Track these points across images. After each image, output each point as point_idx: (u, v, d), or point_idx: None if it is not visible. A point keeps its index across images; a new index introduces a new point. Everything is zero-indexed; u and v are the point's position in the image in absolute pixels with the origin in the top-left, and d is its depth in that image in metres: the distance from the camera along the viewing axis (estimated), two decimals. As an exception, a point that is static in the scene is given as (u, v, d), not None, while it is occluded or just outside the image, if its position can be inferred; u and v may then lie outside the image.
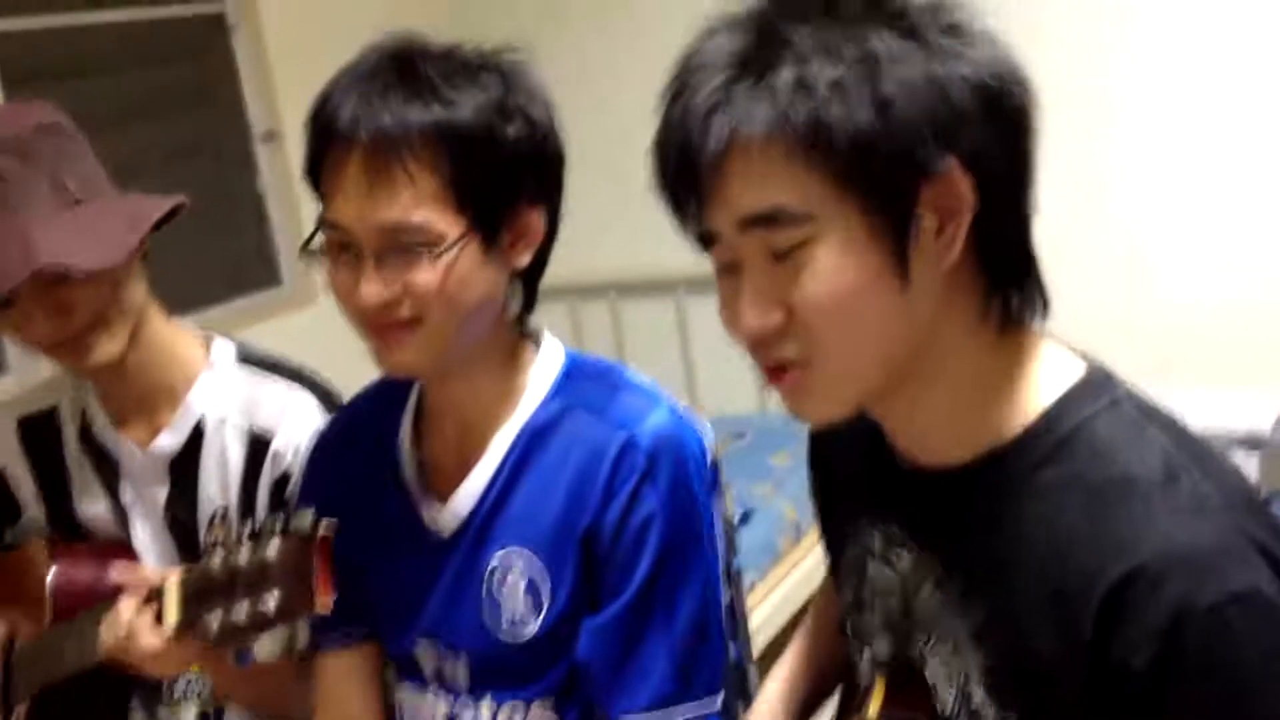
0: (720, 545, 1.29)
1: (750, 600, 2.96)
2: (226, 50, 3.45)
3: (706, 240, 0.93)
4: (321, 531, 1.15)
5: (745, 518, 3.19)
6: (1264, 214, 3.38)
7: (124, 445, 1.54)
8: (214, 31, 3.44)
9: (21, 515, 1.63)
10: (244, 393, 1.53)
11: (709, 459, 1.28)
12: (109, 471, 1.57)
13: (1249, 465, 2.93)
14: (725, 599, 1.42)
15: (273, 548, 1.18)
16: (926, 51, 0.86)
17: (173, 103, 3.36)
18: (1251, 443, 2.97)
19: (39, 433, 1.60)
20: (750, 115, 0.85)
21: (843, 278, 0.88)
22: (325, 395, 1.54)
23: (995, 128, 0.89)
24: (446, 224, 1.18)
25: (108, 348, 1.42)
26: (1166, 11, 3.40)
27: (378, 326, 1.21)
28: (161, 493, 1.54)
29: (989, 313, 0.94)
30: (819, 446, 1.22)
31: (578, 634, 1.24)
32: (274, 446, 1.49)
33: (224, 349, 1.56)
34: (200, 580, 1.23)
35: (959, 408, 0.96)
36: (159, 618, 1.26)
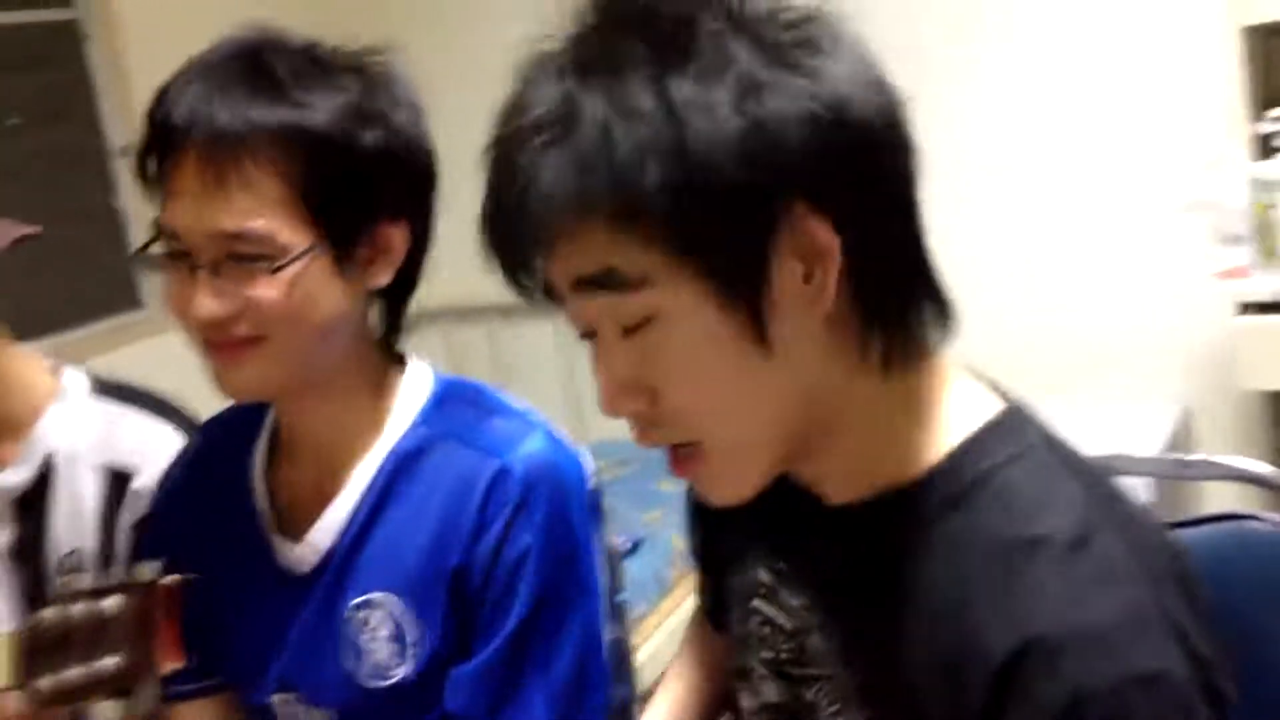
0: (602, 579, 1.20)
1: (639, 634, 2.89)
2: (80, 60, 3.30)
3: (550, 296, 0.85)
4: (164, 585, 1.04)
5: (634, 548, 3.12)
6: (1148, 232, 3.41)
7: None
8: (66, 40, 3.29)
9: None
10: (99, 426, 1.41)
11: (589, 487, 1.20)
12: None
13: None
14: (610, 636, 1.34)
15: (111, 602, 1.07)
16: (738, 91, 0.76)
17: (22, 114, 3.20)
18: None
19: None
20: (563, 186, 0.77)
21: (699, 355, 0.80)
22: (189, 426, 1.44)
23: (846, 158, 0.79)
24: (291, 235, 1.08)
25: None
26: (1049, 23, 3.43)
27: (215, 344, 1.11)
28: (4, 533, 1.42)
29: (868, 353, 0.84)
30: None
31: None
32: (134, 484, 1.39)
33: (76, 379, 1.45)
34: (31, 638, 1.11)
35: (863, 449, 0.88)
36: None
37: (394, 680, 1.16)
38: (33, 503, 1.41)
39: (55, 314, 3.04)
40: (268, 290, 1.08)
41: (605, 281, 0.79)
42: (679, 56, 0.77)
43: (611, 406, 0.84)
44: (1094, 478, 0.86)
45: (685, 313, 0.79)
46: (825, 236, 0.79)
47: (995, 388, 0.92)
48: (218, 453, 1.30)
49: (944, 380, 0.89)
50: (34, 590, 1.41)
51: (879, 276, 0.83)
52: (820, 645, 0.92)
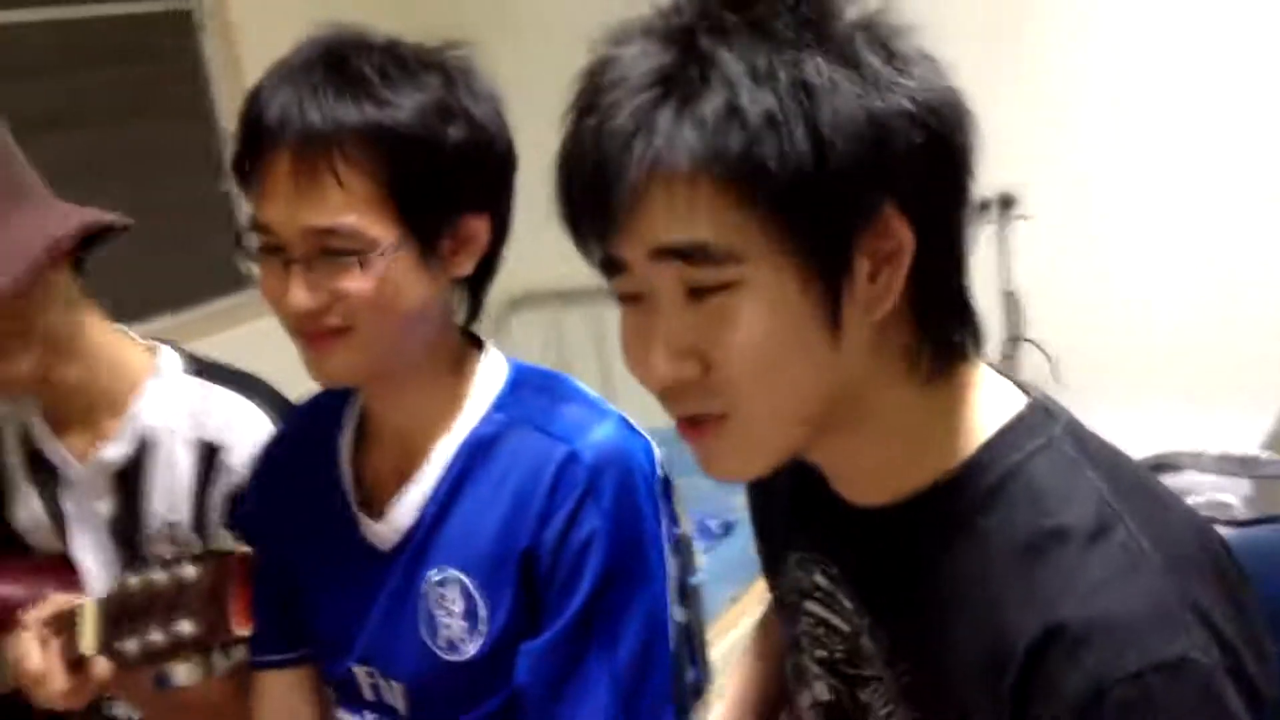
0: (671, 563, 1.23)
1: (732, 614, 2.91)
2: (194, 49, 3.40)
3: (611, 266, 0.84)
4: (239, 555, 1.10)
5: (726, 530, 3.13)
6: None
7: (64, 455, 1.49)
8: (181, 29, 3.39)
9: (-36, 524, 1.57)
10: (193, 403, 1.47)
11: (658, 473, 1.22)
12: (48, 481, 1.51)
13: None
14: (681, 619, 1.37)
15: (191, 570, 1.14)
16: (864, 81, 0.78)
17: (137, 103, 3.31)
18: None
19: None
20: (676, 144, 0.76)
21: (769, 330, 0.80)
22: (276, 404, 1.49)
23: (935, 166, 0.81)
24: (379, 230, 1.12)
25: (17, 369, 1.38)
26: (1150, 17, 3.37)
27: (307, 334, 1.16)
28: (105, 505, 1.49)
29: (919, 359, 0.86)
30: None
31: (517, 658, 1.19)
32: (224, 459, 1.44)
33: (170, 357, 1.51)
34: (118, 602, 1.19)
35: (891, 450, 0.89)
36: (68, 647, 1.21)
37: (466, 656, 1.20)
38: (131, 476, 1.47)
39: (167, 295, 3.14)
40: (357, 283, 1.12)
41: (690, 253, 0.79)
42: (816, 39, 0.78)
43: (661, 371, 0.82)
44: (1119, 469, 0.86)
45: (764, 286, 0.79)
46: (905, 238, 0.80)
47: (1019, 384, 0.92)
48: (310, 434, 1.35)
49: (971, 380, 0.90)
50: (132, 560, 1.47)
51: (938, 286, 0.85)
52: (870, 647, 0.93)
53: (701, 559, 3.12)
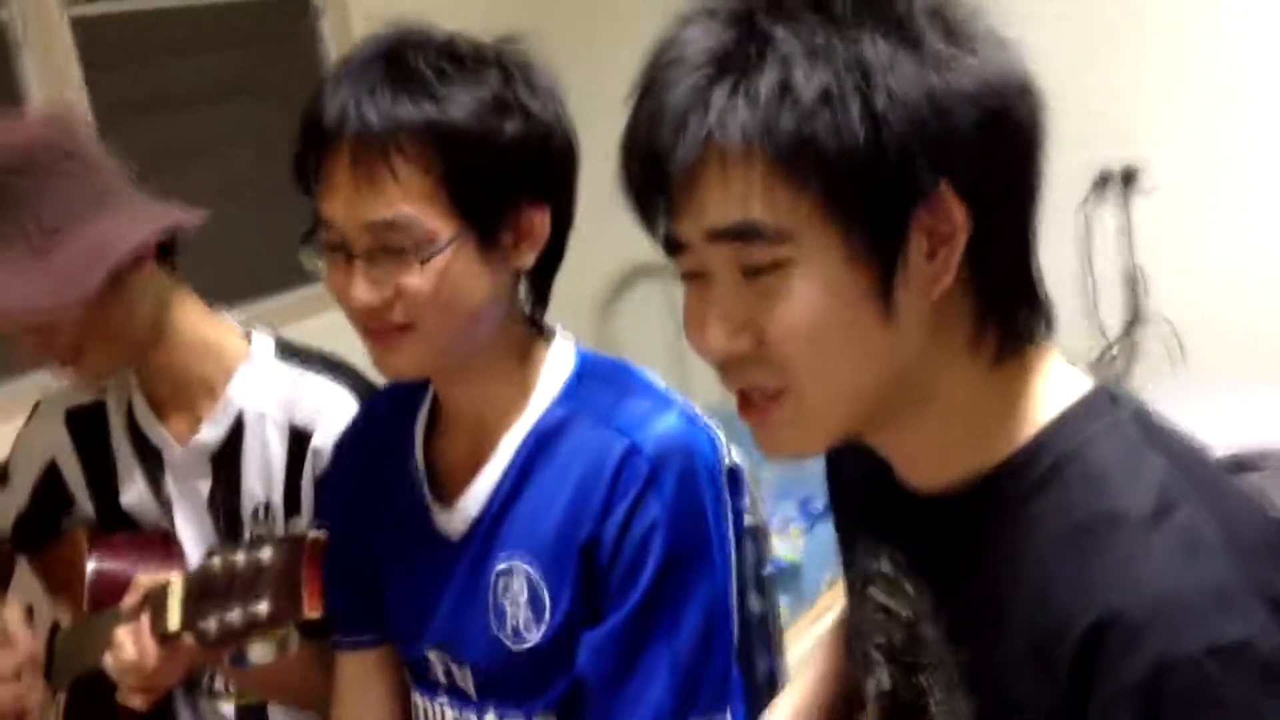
0: (734, 554, 1.24)
1: (829, 596, 2.90)
2: (311, 36, 3.42)
3: (673, 246, 0.86)
4: (312, 539, 1.14)
5: (825, 510, 3.12)
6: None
7: (166, 437, 1.55)
8: (297, 16, 3.41)
9: (74, 505, 1.65)
10: (283, 387, 1.51)
11: (723, 465, 1.23)
12: (152, 463, 1.57)
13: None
14: (757, 609, 1.37)
15: (268, 552, 1.18)
16: (923, 60, 0.77)
17: (246, 88, 3.35)
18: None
19: (87, 424, 1.62)
20: (728, 122, 0.77)
21: (820, 308, 0.80)
22: (362, 388, 1.52)
23: (995, 147, 0.80)
24: (437, 224, 1.14)
25: (100, 367, 1.45)
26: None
27: (372, 330, 1.19)
28: (204, 485, 1.54)
29: (982, 341, 0.85)
30: (833, 455, 1.14)
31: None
32: (314, 443, 1.48)
33: (263, 342, 1.55)
34: (201, 581, 1.24)
35: (951, 434, 0.88)
36: (157, 623, 1.26)
37: (531, 644, 1.22)
38: (227, 458, 1.52)
39: (272, 277, 3.19)
40: (417, 279, 1.14)
41: (743, 234, 0.79)
42: (876, 18, 0.78)
43: (718, 344, 0.83)
44: (1185, 453, 0.84)
45: (816, 263, 0.79)
46: (960, 218, 0.79)
47: (1088, 371, 0.91)
48: (388, 420, 1.38)
49: (1037, 363, 0.89)
50: (231, 535, 1.52)
51: (1000, 268, 0.84)
52: (930, 633, 0.93)
53: (800, 541, 3.12)
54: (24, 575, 1.67)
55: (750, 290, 0.81)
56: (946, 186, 0.78)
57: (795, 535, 3.11)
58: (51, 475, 1.64)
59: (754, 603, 1.37)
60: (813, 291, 0.79)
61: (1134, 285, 3.56)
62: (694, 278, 0.86)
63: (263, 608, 1.17)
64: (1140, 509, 0.79)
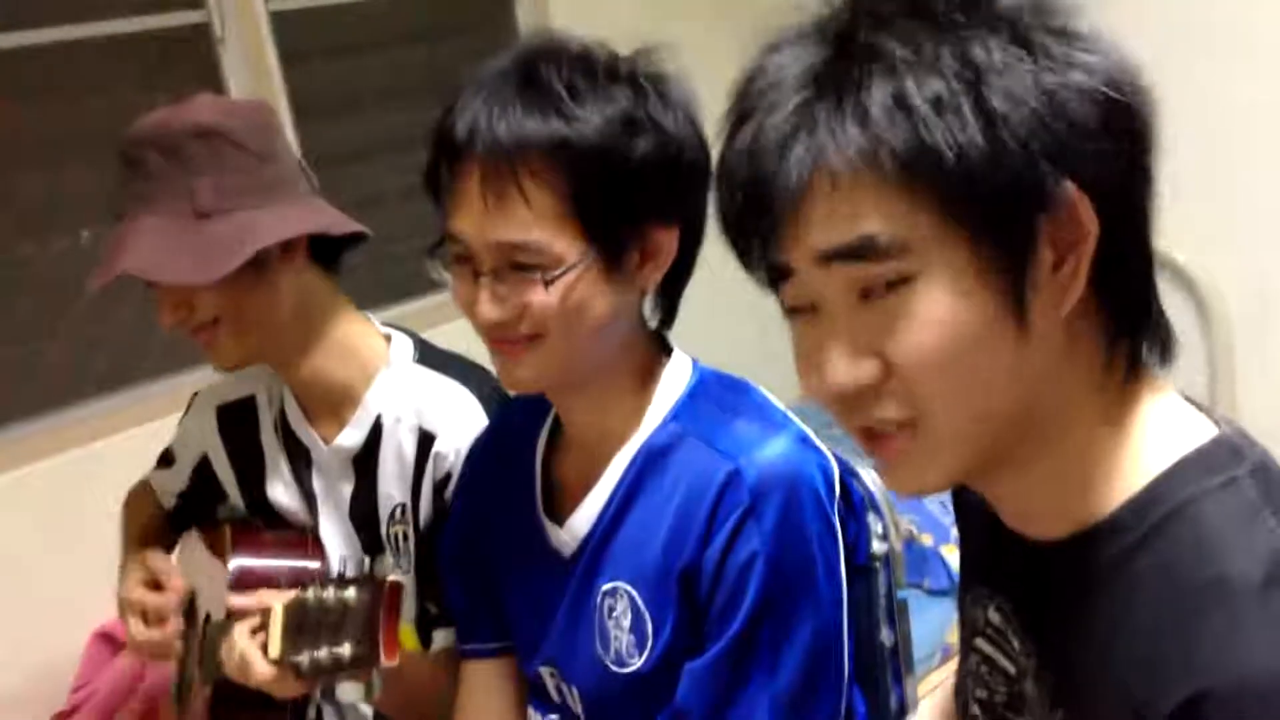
0: (843, 587, 1.17)
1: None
2: (510, 28, 3.42)
3: (776, 275, 0.81)
4: (392, 584, 1.15)
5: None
6: None
7: (314, 438, 1.58)
8: (496, 9, 3.41)
9: (226, 497, 1.70)
10: (418, 392, 1.52)
11: (835, 493, 1.17)
12: (300, 461, 1.61)
13: None
14: (888, 640, 1.30)
15: (352, 592, 1.19)
16: (1035, 59, 0.73)
17: (444, 85, 3.38)
18: None
19: (237, 420, 1.66)
20: (838, 141, 0.73)
21: (949, 325, 0.75)
22: (488, 394, 1.52)
23: (1117, 144, 0.75)
24: (564, 245, 1.12)
25: (231, 350, 1.47)
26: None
27: (497, 341, 1.18)
28: (347, 487, 1.57)
29: (1114, 362, 0.80)
30: (959, 495, 1.06)
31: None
32: (436, 447, 1.48)
33: (402, 347, 1.57)
34: (297, 614, 1.25)
35: (1067, 478, 0.82)
36: (265, 647, 1.28)
37: (633, 669, 1.19)
38: (366, 460, 1.54)
39: (409, 284, 3.21)
40: (543, 298, 1.12)
41: (859, 251, 0.75)
42: (979, 21, 0.75)
43: (841, 376, 0.78)
44: None
45: (940, 278, 0.74)
46: (1089, 220, 0.75)
47: (1210, 412, 0.84)
48: (515, 433, 1.37)
49: (1158, 408, 0.83)
50: (369, 536, 1.55)
51: (1127, 278, 0.80)
52: (1033, 691, 0.87)
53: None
54: (189, 552, 1.73)
55: (870, 314, 0.77)
56: (1072, 188, 0.74)
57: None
58: (204, 469, 1.70)
59: (884, 635, 1.30)
60: (939, 308, 0.75)
61: None
62: (801, 311, 0.81)
63: (346, 650, 1.19)
64: (1249, 578, 0.72)
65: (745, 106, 0.79)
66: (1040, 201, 0.74)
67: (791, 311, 0.82)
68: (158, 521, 1.77)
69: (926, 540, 2.66)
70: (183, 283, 1.40)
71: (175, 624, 1.57)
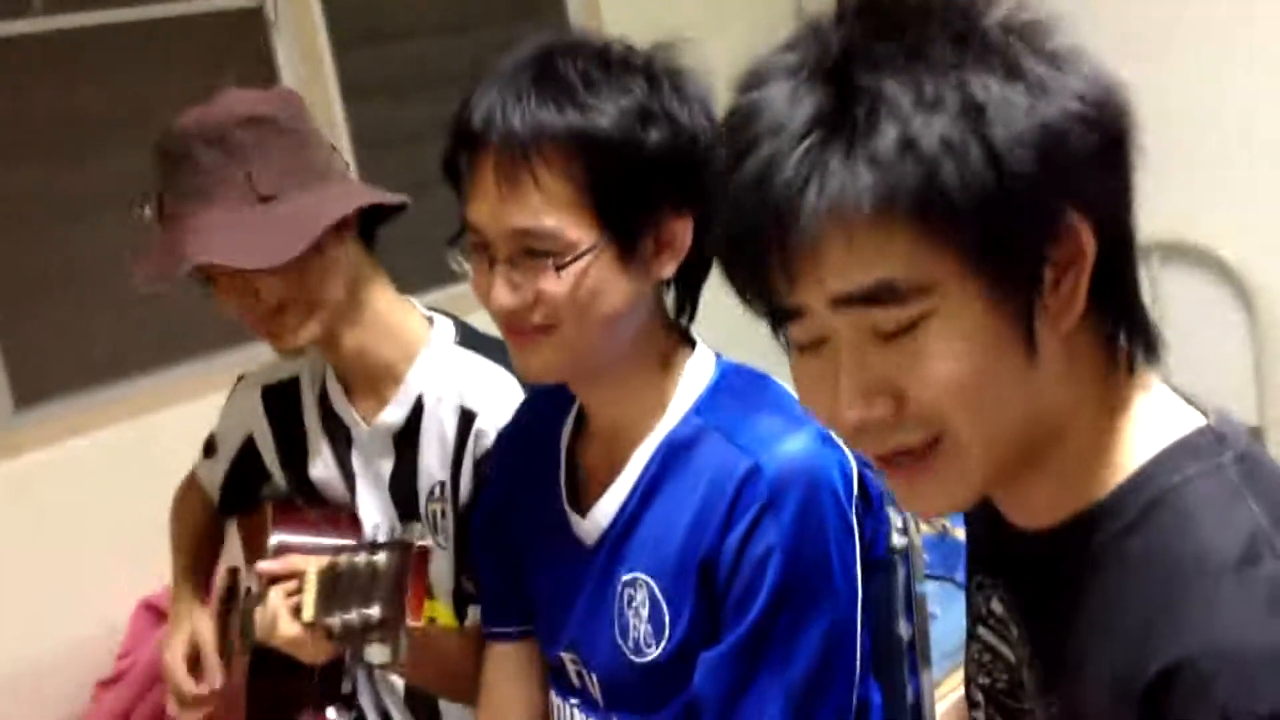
0: (859, 583, 1.18)
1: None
2: (559, 17, 3.41)
3: (785, 316, 0.82)
4: (420, 548, 1.16)
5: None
6: None
7: (355, 416, 1.61)
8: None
9: (270, 477, 1.74)
10: (459, 372, 1.55)
11: (853, 489, 1.18)
12: (341, 440, 1.64)
13: None
14: (905, 634, 1.32)
15: (382, 556, 1.22)
16: (1029, 89, 0.75)
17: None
18: None
19: (281, 400, 1.70)
20: (853, 188, 0.74)
21: (966, 359, 0.77)
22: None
23: (1108, 164, 0.79)
24: (578, 233, 1.14)
25: (297, 333, 1.49)
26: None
27: (513, 330, 1.20)
28: (386, 465, 1.60)
29: (1111, 364, 0.84)
30: None
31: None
32: (477, 425, 1.51)
33: (444, 329, 1.60)
34: (329, 578, 1.28)
35: (1067, 469, 0.85)
36: (299, 610, 1.31)
37: (651, 659, 1.21)
38: (407, 438, 1.57)
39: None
40: (556, 285, 1.14)
41: (876, 296, 0.76)
42: (975, 55, 0.76)
43: (853, 415, 0.80)
44: None
45: (955, 315, 0.76)
46: (1087, 241, 0.77)
47: (1195, 402, 0.87)
48: (543, 419, 1.39)
49: (1145, 398, 0.86)
50: (408, 513, 1.58)
51: (1119, 286, 0.82)
52: (1029, 678, 0.90)
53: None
54: (233, 541, 1.78)
55: (885, 352, 0.78)
56: (1073, 211, 0.76)
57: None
58: (249, 449, 1.75)
59: (902, 628, 1.32)
60: (956, 343, 0.77)
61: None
62: (809, 348, 0.83)
63: (375, 611, 1.21)
64: (1225, 554, 0.76)
65: (746, 150, 0.78)
66: (1048, 230, 0.76)
67: (799, 346, 0.83)
68: (204, 527, 1.82)
69: (958, 534, 2.67)
70: (262, 266, 1.42)
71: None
